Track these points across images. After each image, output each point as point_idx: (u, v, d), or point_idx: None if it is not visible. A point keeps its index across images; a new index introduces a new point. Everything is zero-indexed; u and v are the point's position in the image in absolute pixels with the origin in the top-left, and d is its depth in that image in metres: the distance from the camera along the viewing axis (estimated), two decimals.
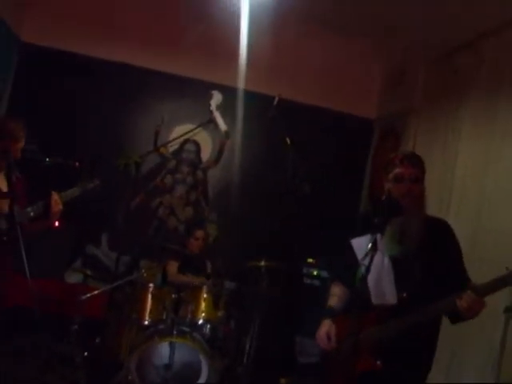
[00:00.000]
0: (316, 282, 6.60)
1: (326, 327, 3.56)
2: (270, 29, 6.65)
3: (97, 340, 5.43)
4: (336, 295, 3.72)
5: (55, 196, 4.41)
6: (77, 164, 6.44)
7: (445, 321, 3.37)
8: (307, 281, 6.62)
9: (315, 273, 6.63)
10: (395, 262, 3.41)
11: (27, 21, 6.94)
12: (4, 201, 4.36)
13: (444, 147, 5.89)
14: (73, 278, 6.32)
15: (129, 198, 6.65)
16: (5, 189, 4.42)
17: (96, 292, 5.10)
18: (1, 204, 4.34)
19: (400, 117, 6.80)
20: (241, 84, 6.99)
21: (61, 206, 4.45)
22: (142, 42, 7.10)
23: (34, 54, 6.99)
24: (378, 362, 3.29)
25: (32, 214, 4.37)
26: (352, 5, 6.35)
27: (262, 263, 5.67)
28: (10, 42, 6.73)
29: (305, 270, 6.65)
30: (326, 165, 7.21)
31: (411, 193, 3.40)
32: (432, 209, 3.64)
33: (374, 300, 3.40)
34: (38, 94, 6.97)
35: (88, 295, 4.99)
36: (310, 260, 6.71)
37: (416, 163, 3.46)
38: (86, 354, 5.18)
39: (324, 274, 6.57)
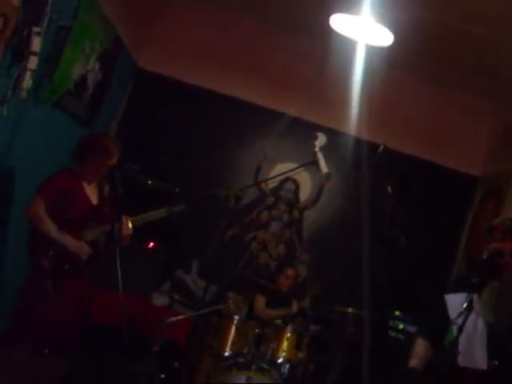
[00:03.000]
0: (401, 336, 6.46)
1: None
2: (383, 79, 6.65)
3: (175, 364, 5.47)
4: (419, 356, 3.63)
5: (125, 220, 4.51)
6: (177, 190, 6.62)
7: None
8: (392, 333, 6.49)
9: (401, 326, 6.49)
10: (489, 327, 3.30)
11: (146, 48, 7.20)
12: (93, 213, 4.50)
13: None
14: (160, 300, 6.39)
15: (224, 229, 6.70)
16: (95, 201, 4.56)
17: (182, 317, 5.12)
18: (90, 216, 4.48)
19: (505, 177, 6.62)
20: (347, 128, 7.01)
21: (130, 231, 4.56)
22: (252, 77, 7.23)
23: (148, 81, 7.24)
24: None
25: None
26: (467, 62, 6.28)
27: (349, 310, 5.60)
28: (129, 68, 6.99)
29: (391, 323, 6.52)
30: (425, 218, 7.09)
31: (511, 267, 3.31)
32: None
33: (462, 361, 3.30)
34: (148, 118, 7.20)
35: (173, 319, 5.02)
36: (397, 313, 6.57)
37: None
38: (163, 376, 5.22)
39: (410, 328, 6.43)
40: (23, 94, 4.26)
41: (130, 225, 4.56)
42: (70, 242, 4.35)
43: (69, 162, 4.73)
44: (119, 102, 7.15)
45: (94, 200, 4.56)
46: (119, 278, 3.94)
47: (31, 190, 4.46)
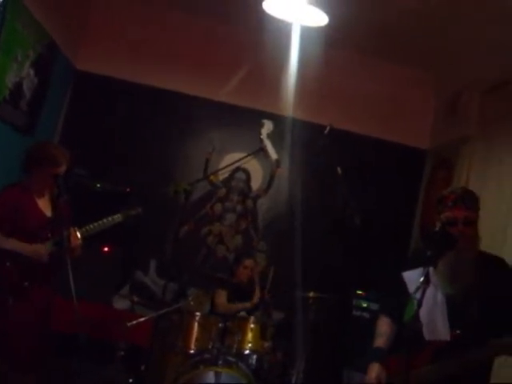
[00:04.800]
0: (365, 315, 6.48)
1: (376, 371, 3.41)
2: (324, 59, 6.61)
3: (142, 367, 5.39)
4: (383, 335, 3.59)
5: (73, 232, 4.40)
6: (127, 190, 6.54)
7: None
8: (356, 313, 6.51)
9: (365, 305, 6.52)
10: (448, 298, 3.30)
11: (82, 49, 7.06)
12: (48, 225, 4.40)
13: (499, 178, 5.72)
14: (120, 303, 6.31)
15: (178, 226, 6.63)
16: (49, 213, 4.45)
17: (143, 319, 5.06)
18: (45, 228, 4.38)
19: (454, 147, 6.66)
20: (292, 113, 6.97)
21: (79, 241, 4.43)
22: (192, 70, 7.14)
23: (88, 82, 7.10)
24: None
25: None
26: (405, 34, 6.28)
27: (311, 294, 5.58)
28: (66, 71, 6.85)
29: (354, 302, 6.55)
30: (378, 196, 7.11)
31: (464, 235, 3.29)
32: (485, 242, 3.51)
33: (427, 335, 3.30)
34: (92, 120, 7.07)
35: (134, 322, 4.95)
36: (360, 292, 6.60)
37: (470, 204, 3.33)
38: (131, 380, 5.15)
39: (374, 306, 6.45)
40: None
41: (79, 235, 4.45)
42: (24, 247, 4.24)
43: (13, 173, 4.60)
44: (60, 107, 7.00)
45: (48, 212, 4.44)
46: (72, 285, 3.87)
47: None
